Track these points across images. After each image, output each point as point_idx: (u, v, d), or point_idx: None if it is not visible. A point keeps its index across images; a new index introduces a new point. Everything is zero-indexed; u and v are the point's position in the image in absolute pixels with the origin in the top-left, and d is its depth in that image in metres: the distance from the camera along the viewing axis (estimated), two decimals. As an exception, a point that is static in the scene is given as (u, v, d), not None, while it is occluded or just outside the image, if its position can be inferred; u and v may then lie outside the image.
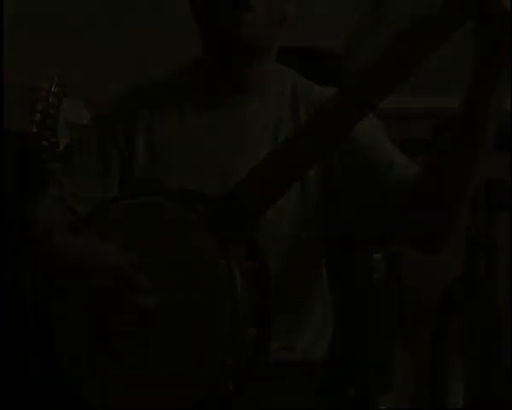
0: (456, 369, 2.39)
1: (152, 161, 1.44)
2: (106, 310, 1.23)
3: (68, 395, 1.31)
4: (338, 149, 1.37)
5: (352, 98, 1.21)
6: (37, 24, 2.67)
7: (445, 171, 1.28)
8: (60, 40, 2.70)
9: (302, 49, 1.66)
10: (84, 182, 1.47)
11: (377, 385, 1.69)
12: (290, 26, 1.46)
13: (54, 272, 1.32)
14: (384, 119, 1.44)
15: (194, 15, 1.45)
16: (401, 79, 1.19)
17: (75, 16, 2.76)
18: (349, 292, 1.60)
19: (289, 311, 1.37)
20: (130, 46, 2.78)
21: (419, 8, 1.20)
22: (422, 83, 2.00)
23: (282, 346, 1.38)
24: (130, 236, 1.28)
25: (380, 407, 1.73)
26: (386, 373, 1.70)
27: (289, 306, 1.37)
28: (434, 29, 1.15)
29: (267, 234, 1.32)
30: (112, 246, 1.27)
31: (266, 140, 1.42)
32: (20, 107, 2.28)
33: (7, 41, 2.40)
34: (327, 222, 1.43)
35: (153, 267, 1.24)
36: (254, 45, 1.39)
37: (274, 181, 1.26)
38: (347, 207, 1.41)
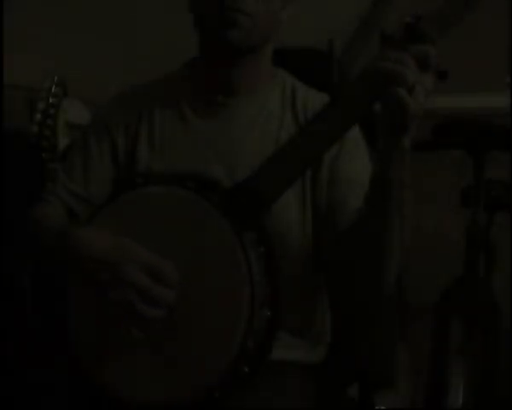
0: (456, 369, 2.39)
1: (154, 161, 1.44)
2: (132, 302, 1.22)
3: (82, 382, 1.32)
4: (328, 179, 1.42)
5: None
6: (37, 24, 2.67)
7: (365, 229, 1.32)
8: (60, 40, 2.70)
9: (288, 51, 1.66)
10: (84, 182, 1.47)
11: (379, 382, 1.69)
12: (282, 27, 1.47)
13: (76, 265, 1.29)
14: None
15: (193, 15, 1.46)
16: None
17: (75, 16, 2.75)
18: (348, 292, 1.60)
19: (290, 313, 1.37)
20: (130, 46, 2.78)
21: (418, 8, 1.21)
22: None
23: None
24: (144, 225, 1.29)
25: (380, 406, 1.73)
26: (388, 370, 1.70)
27: (290, 308, 1.37)
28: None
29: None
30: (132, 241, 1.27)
31: (268, 139, 1.43)
32: (20, 107, 2.28)
33: (7, 41, 2.40)
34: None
35: (169, 255, 1.25)
36: (245, 48, 1.40)
37: (284, 172, 1.29)
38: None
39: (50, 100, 2.05)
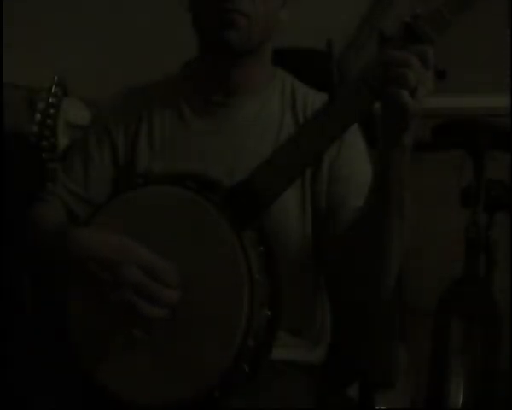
0: (456, 369, 2.39)
1: (153, 161, 1.44)
2: (133, 302, 1.21)
3: (82, 383, 1.32)
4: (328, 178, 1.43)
5: None
6: (37, 24, 2.67)
7: (364, 230, 1.31)
8: (60, 40, 2.70)
9: (288, 51, 1.66)
10: (84, 182, 1.47)
11: (379, 382, 1.68)
12: (282, 27, 1.47)
13: (76, 264, 1.27)
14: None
15: (191, 15, 1.46)
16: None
17: (75, 16, 2.75)
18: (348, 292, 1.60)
19: (290, 313, 1.37)
20: (130, 46, 2.78)
21: (418, 8, 1.21)
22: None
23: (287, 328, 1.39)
24: (144, 224, 1.29)
25: (380, 406, 1.73)
26: (388, 370, 1.70)
27: (290, 308, 1.37)
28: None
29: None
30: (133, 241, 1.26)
31: (268, 139, 1.43)
32: (20, 107, 2.28)
33: (7, 41, 2.40)
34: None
35: (169, 255, 1.25)
36: (244, 48, 1.40)
37: (284, 171, 1.29)
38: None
39: (50, 100, 2.05)
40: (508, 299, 2.59)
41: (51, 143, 2.05)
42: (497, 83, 2.76)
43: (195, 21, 1.45)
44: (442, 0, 1.21)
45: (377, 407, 1.69)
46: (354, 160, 1.44)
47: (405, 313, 2.77)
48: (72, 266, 1.29)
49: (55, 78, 2.07)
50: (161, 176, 1.41)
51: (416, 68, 1.16)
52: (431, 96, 1.19)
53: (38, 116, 2.05)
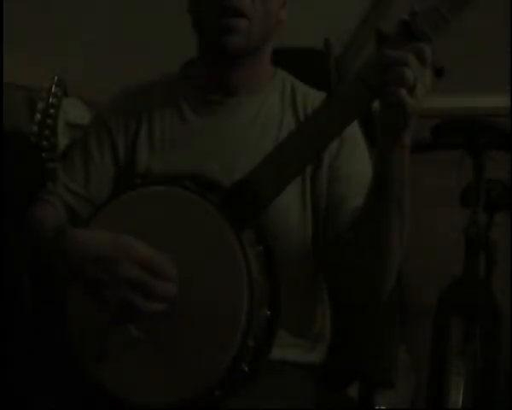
0: (456, 369, 2.39)
1: (153, 161, 1.44)
2: (130, 299, 1.22)
3: (81, 382, 1.32)
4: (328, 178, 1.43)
5: None
6: (37, 24, 2.67)
7: (365, 230, 1.31)
8: (60, 40, 2.70)
9: (288, 51, 1.66)
10: (84, 182, 1.47)
11: (379, 382, 1.68)
12: (282, 27, 1.47)
13: (74, 265, 1.27)
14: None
15: (191, 16, 1.46)
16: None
17: (75, 16, 2.75)
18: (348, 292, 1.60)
19: (290, 313, 1.37)
20: (130, 46, 2.78)
21: (417, 6, 1.21)
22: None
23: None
24: (144, 224, 1.29)
25: (380, 406, 1.73)
26: (388, 370, 1.70)
27: (290, 308, 1.37)
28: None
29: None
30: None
31: (268, 139, 1.43)
32: (20, 107, 2.28)
33: (7, 41, 2.40)
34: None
35: (169, 255, 1.25)
36: (244, 51, 1.40)
37: (283, 170, 1.28)
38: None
39: (50, 100, 2.05)
40: (508, 299, 2.59)
41: (51, 143, 2.05)
42: (497, 83, 2.76)
43: (195, 22, 1.45)
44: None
45: (377, 407, 1.69)
46: (354, 159, 1.44)
47: (405, 313, 2.77)
48: (70, 266, 1.29)
49: (55, 78, 2.07)
50: (161, 176, 1.41)
51: (413, 66, 1.16)
52: (430, 96, 1.19)
53: (38, 116, 2.05)
